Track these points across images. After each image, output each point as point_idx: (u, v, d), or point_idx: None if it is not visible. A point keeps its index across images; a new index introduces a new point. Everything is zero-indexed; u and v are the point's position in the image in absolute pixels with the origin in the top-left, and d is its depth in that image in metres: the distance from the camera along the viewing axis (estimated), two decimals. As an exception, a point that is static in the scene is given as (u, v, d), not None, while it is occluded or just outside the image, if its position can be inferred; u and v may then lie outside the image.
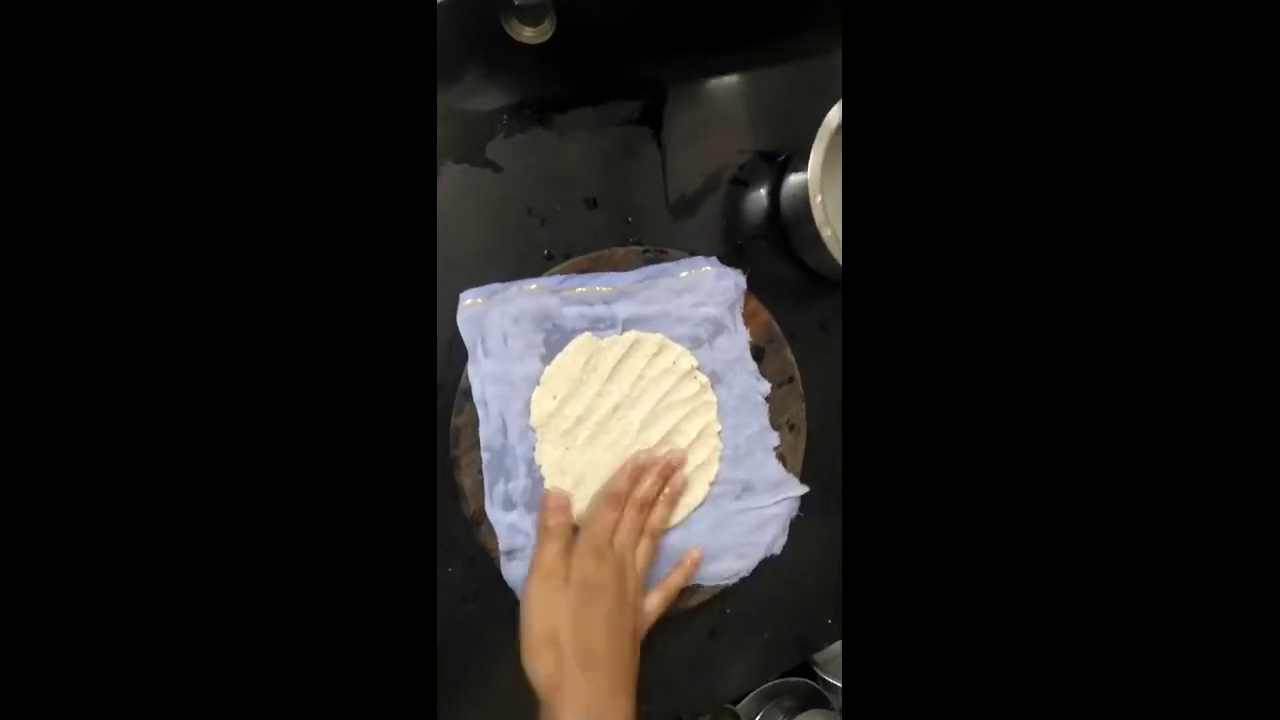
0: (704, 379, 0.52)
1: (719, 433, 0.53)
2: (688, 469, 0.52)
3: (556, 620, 0.43)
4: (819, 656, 0.68)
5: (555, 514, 0.47)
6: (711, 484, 0.52)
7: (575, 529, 0.48)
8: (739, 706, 0.65)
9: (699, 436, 0.52)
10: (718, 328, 0.52)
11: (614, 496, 0.48)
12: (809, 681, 0.68)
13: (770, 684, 0.66)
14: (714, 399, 0.52)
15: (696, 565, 0.51)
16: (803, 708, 0.68)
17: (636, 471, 0.49)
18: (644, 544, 0.49)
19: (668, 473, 0.50)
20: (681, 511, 0.52)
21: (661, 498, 0.50)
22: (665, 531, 0.51)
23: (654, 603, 0.48)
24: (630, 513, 0.48)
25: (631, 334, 0.50)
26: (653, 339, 0.51)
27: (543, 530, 0.47)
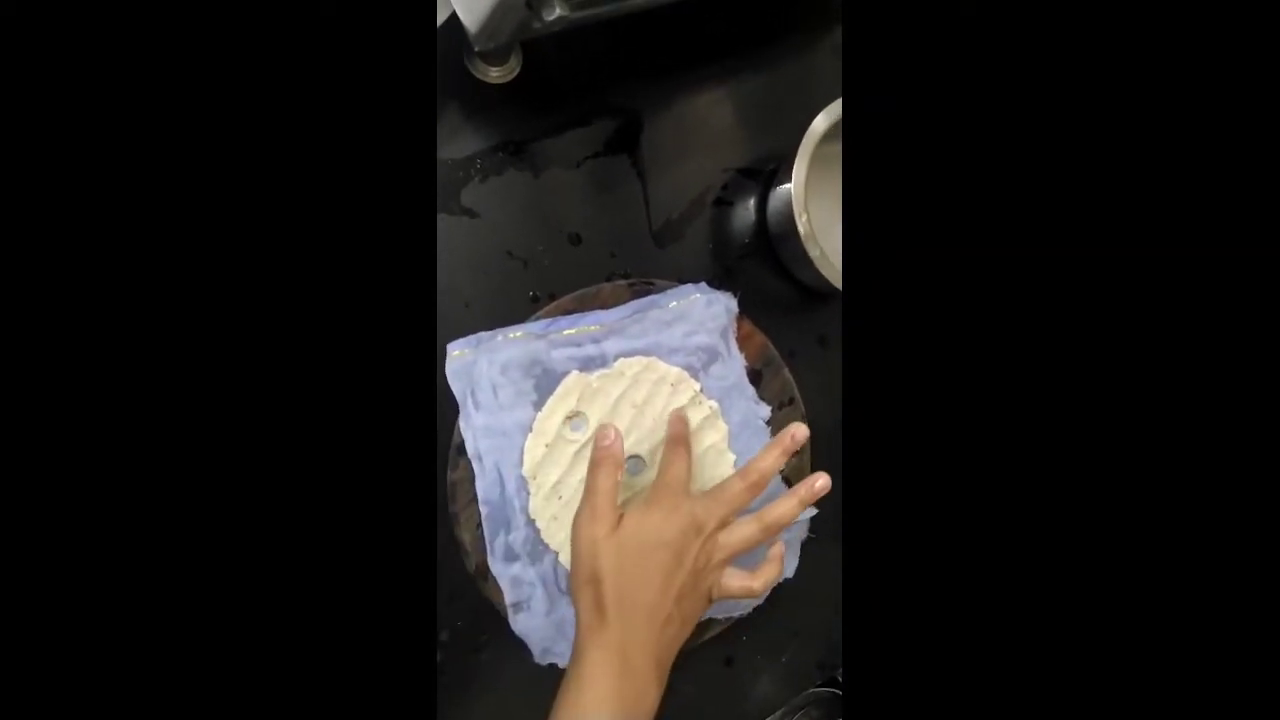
0: (713, 404, 0.51)
1: (734, 463, 0.52)
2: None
3: (602, 563, 0.41)
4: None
5: (606, 445, 0.44)
6: None
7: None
8: (765, 722, 0.65)
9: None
10: (711, 355, 0.51)
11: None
12: (835, 691, 0.68)
13: (796, 697, 0.66)
14: (725, 426, 0.51)
15: (782, 561, 0.47)
16: (829, 717, 0.68)
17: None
18: (754, 528, 0.44)
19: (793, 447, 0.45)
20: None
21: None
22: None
23: (733, 584, 0.45)
24: (753, 492, 0.44)
25: (619, 363, 0.49)
26: (649, 363, 0.50)
27: (593, 462, 0.44)
